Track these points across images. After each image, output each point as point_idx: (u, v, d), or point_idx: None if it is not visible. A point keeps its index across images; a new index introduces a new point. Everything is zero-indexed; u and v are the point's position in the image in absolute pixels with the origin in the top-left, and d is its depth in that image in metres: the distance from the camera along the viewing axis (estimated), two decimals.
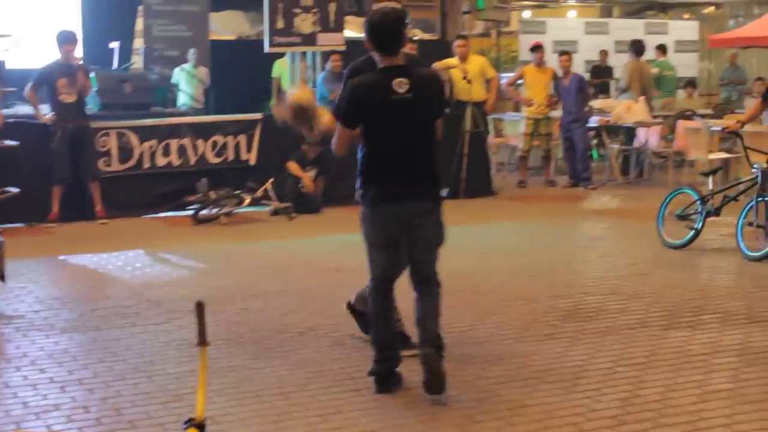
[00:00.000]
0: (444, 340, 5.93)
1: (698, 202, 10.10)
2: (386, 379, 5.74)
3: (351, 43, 15.43)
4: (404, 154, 5.61)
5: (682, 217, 10.18)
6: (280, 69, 17.13)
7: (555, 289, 8.18)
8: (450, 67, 14.20)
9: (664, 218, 10.28)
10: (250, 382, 5.93)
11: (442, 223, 5.73)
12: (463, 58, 14.35)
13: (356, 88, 5.59)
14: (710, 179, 10.70)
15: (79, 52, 12.14)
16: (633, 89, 16.03)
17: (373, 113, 5.57)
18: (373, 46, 5.61)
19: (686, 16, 29.49)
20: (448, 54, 14.99)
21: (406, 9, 5.68)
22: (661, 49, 19.81)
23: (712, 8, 29.45)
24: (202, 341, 4.20)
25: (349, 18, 17.16)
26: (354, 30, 18.75)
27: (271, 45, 14.43)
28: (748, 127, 12.16)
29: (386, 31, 5.54)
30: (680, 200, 10.40)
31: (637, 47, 16.45)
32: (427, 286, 5.73)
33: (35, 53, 15.06)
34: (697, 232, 9.95)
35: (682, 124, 15.15)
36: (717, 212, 9.99)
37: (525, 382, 5.85)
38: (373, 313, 5.83)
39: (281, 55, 16.13)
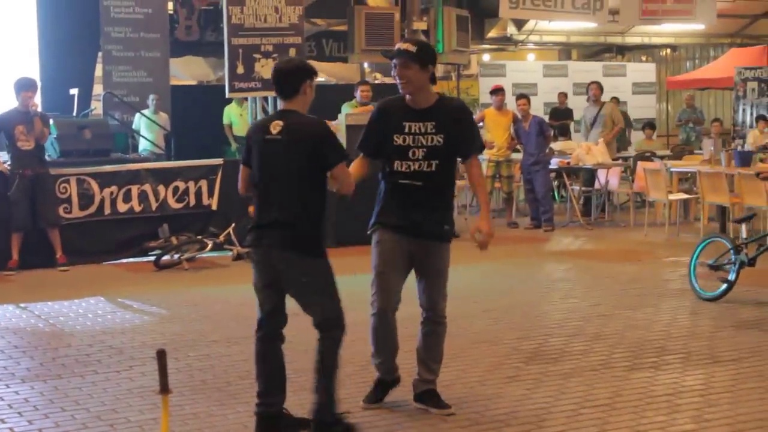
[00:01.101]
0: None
1: (731, 252, 9.42)
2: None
3: None
4: (269, 197, 5.78)
5: (715, 268, 9.52)
6: (230, 115, 17.19)
7: (518, 331, 8.19)
8: None
9: (697, 268, 9.68)
10: (213, 428, 5.89)
11: (315, 270, 5.66)
12: None
13: (249, 127, 5.96)
14: (743, 227, 10.44)
15: (37, 99, 12.08)
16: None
17: (253, 151, 5.78)
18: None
19: (644, 58, 29.87)
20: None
21: (310, 67, 5.74)
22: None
23: (668, 51, 29.83)
24: (164, 389, 4.18)
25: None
26: None
27: (232, 90, 14.50)
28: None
29: (277, 79, 5.69)
30: (713, 249, 9.88)
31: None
32: (321, 333, 5.76)
33: None
34: (731, 285, 9.25)
35: (641, 165, 15.28)
36: (752, 263, 9.29)
37: (489, 426, 5.84)
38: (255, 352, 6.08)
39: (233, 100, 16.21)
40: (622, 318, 8.71)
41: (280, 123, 5.62)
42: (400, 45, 6.08)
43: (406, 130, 5.99)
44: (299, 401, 6.07)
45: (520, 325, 8.44)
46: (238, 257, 12.25)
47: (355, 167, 6.11)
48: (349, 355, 6.28)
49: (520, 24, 25.49)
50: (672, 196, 14.39)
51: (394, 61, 6.00)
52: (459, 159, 6.22)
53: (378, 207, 6.14)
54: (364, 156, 6.21)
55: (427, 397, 6.16)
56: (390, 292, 6.03)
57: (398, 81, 6.01)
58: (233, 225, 12.46)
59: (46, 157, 12.37)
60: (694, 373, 6.91)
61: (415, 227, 6.01)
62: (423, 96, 6.04)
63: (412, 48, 5.98)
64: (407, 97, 6.06)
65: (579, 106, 20.24)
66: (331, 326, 5.69)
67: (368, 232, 6.16)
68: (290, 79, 5.63)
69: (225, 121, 17.13)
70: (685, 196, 14.83)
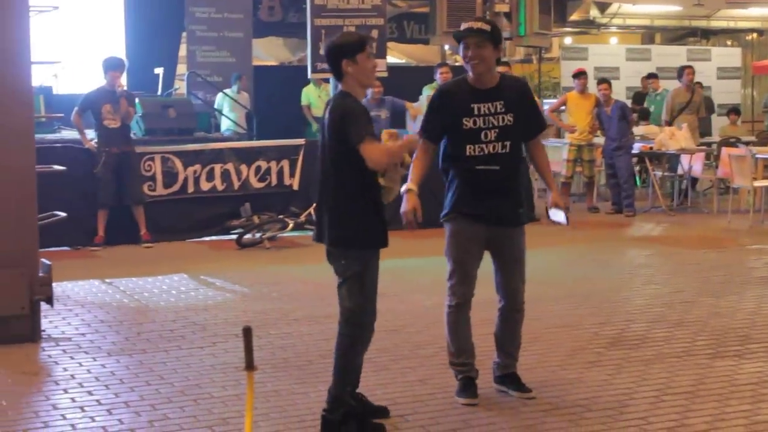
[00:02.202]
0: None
1: None
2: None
3: (392, 69, 15.49)
4: (318, 182, 5.68)
5: None
6: (308, 96, 17.27)
7: (599, 317, 8.14)
8: None
9: None
10: (294, 406, 5.94)
11: (343, 263, 5.59)
12: None
13: None
14: None
15: (123, 79, 12.26)
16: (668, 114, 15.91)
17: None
18: None
19: (729, 42, 29.39)
20: None
21: (344, 42, 5.46)
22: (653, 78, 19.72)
23: (754, 35, 29.32)
24: (250, 366, 4.22)
25: (390, 44, 17.24)
26: (395, 56, 18.85)
27: (314, 71, 14.53)
28: None
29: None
30: None
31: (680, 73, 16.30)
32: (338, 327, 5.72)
33: (82, 79, 15.25)
34: None
35: (726, 151, 15.05)
36: None
37: (570, 410, 5.82)
38: None
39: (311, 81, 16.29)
40: (705, 305, 8.61)
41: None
42: (472, 24, 5.93)
43: (476, 112, 5.88)
44: (379, 381, 6.11)
45: (601, 311, 8.38)
46: None
47: (421, 153, 5.95)
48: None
49: (603, 7, 25.27)
50: (757, 183, 14.15)
51: (466, 41, 5.87)
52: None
53: (451, 195, 6.00)
54: (426, 141, 6.01)
55: (509, 380, 6.14)
56: (471, 284, 5.99)
57: (469, 61, 5.86)
58: (314, 205, 12.48)
59: (132, 136, 12.56)
60: None
61: (493, 214, 5.93)
62: (490, 76, 5.93)
63: (486, 27, 5.89)
64: (471, 77, 5.93)
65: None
66: (345, 321, 5.63)
67: (441, 221, 6.06)
68: (330, 62, 5.45)
69: (303, 101, 17.20)
70: None
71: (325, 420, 5.44)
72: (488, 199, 5.91)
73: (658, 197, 15.32)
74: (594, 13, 25.66)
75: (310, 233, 12.37)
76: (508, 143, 5.91)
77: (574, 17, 25.43)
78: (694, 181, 15.79)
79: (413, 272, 9.98)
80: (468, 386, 6.02)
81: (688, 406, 5.86)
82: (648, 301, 8.84)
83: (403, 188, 5.75)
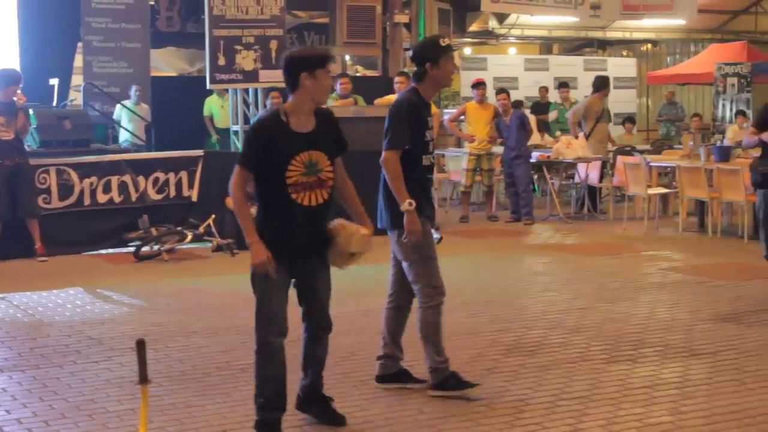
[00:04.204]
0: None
1: None
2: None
3: None
4: None
5: None
6: (211, 106, 17.15)
7: (497, 324, 8.22)
8: (391, 103, 14.26)
9: None
10: (192, 419, 5.89)
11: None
12: None
13: None
14: None
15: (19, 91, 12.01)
16: (587, 124, 16.07)
17: None
18: None
19: (624, 53, 29.95)
20: (390, 90, 15.06)
21: (307, 56, 5.42)
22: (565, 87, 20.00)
23: (649, 45, 29.93)
24: (143, 379, 4.19)
25: None
26: None
27: (213, 81, 14.48)
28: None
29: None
30: None
31: (598, 83, 16.42)
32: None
33: None
34: None
35: (621, 160, 15.33)
36: None
37: (467, 417, 5.86)
38: None
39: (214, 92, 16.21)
40: (600, 311, 8.75)
41: None
42: (448, 40, 6.33)
43: (429, 125, 6.26)
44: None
45: (499, 318, 8.46)
46: (218, 249, 12.24)
47: (399, 166, 6.06)
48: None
49: (501, 18, 25.54)
50: (651, 191, 14.44)
51: (451, 54, 6.24)
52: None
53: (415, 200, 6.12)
54: (399, 152, 6.11)
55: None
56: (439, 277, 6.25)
57: (449, 76, 6.27)
58: (213, 216, 12.45)
59: (26, 147, 12.33)
60: (672, 365, 6.95)
61: (434, 211, 6.42)
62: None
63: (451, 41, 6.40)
64: (422, 92, 6.23)
65: (559, 100, 20.29)
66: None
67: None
68: (288, 72, 5.39)
69: (205, 112, 17.08)
70: (664, 190, 14.90)
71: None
72: (430, 203, 6.37)
73: (555, 206, 15.54)
74: (493, 23, 25.93)
75: (209, 245, 12.35)
76: (433, 153, 6.36)
77: (473, 28, 25.67)
78: (593, 189, 16.01)
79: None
80: (461, 379, 6.28)
81: (582, 411, 5.95)
82: (545, 307, 8.95)
83: (405, 206, 5.98)
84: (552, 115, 19.72)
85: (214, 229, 12.40)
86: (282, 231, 5.38)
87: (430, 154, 6.26)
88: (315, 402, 5.74)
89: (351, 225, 5.52)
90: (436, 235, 6.44)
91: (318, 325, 5.61)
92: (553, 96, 21.77)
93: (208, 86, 14.68)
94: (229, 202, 12.63)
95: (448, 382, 6.23)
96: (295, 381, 5.69)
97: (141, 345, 4.16)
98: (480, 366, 6.94)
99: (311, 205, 5.37)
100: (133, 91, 16.19)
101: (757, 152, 9.83)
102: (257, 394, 5.47)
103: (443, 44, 6.18)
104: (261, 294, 5.42)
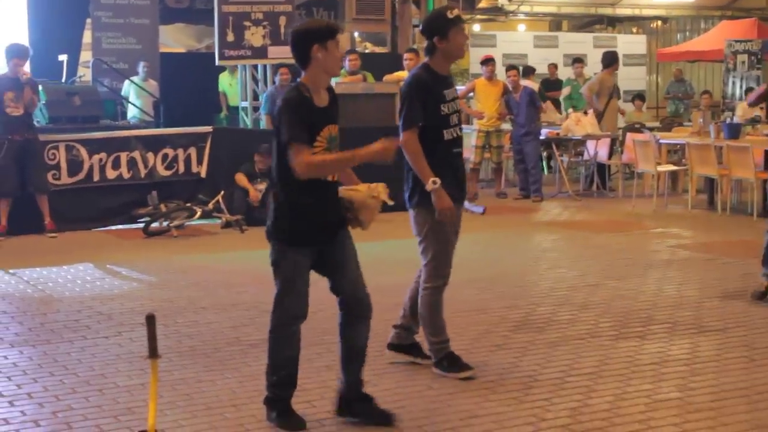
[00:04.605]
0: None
1: None
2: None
3: None
4: None
5: None
6: (222, 83, 17.13)
7: (506, 300, 8.23)
8: (400, 80, 14.25)
9: None
10: (201, 394, 5.91)
11: (273, 252, 5.28)
12: None
13: None
14: None
15: (27, 66, 12.03)
16: (601, 100, 16.03)
17: None
18: None
19: (634, 30, 29.84)
20: (399, 67, 15.04)
21: (317, 27, 5.26)
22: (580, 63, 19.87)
23: (659, 22, 29.81)
24: (153, 354, 4.20)
25: None
26: None
27: (222, 58, 14.46)
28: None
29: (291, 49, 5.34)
30: None
31: (607, 59, 16.38)
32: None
33: None
34: None
35: (630, 137, 15.30)
36: None
37: (476, 393, 5.88)
38: None
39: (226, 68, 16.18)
40: (609, 288, 8.75)
41: None
42: (457, 12, 6.20)
43: (447, 98, 6.11)
44: None
45: (508, 295, 8.47)
46: (227, 225, 12.26)
47: (418, 144, 5.98)
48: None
49: None
50: (660, 168, 14.42)
51: (461, 26, 6.14)
52: None
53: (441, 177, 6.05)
54: (416, 130, 6.00)
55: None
56: (451, 261, 6.22)
57: (461, 48, 6.13)
58: (222, 193, 12.47)
59: (35, 123, 12.34)
60: (680, 342, 6.95)
61: (463, 192, 6.25)
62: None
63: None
64: (437, 64, 6.11)
65: (569, 76, 20.23)
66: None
67: (414, 205, 6.14)
68: (298, 46, 5.24)
69: (220, 88, 17.09)
70: (674, 167, 14.86)
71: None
72: (460, 179, 6.20)
73: (564, 183, 15.52)
74: (502, 0, 25.85)
75: (218, 221, 12.37)
76: (460, 126, 6.23)
77: (482, 4, 25.60)
78: (603, 167, 15.99)
79: None
80: (458, 360, 6.24)
81: (591, 387, 5.96)
82: (553, 284, 8.95)
83: (429, 185, 5.88)
84: (565, 91, 19.64)
85: (223, 206, 12.41)
86: (316, 209, 5.22)
87: (453, 128, 6.10)
88: (357, 401, 5.46)
89: (355, 185, 5.47)
90: (478, 209, 6.42)
91: (358, 301, 5.39)
92: (563, 73, 21.70)
93: (216, 63, 14.66)
94: (239, 178, 12.72)
95: (441, 363, 6.25)
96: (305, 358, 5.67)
97: (151, 320, 4.17)
98: (489, 342, 6.95)
99: (333, 180, 5.31)
100: (141, 67, 16.18)
101: None
102: (270, 373, 5.38)
103: (450, 16, 6.03)
104: (286, 276, 5.27)
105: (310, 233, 5.24)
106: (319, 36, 5.20)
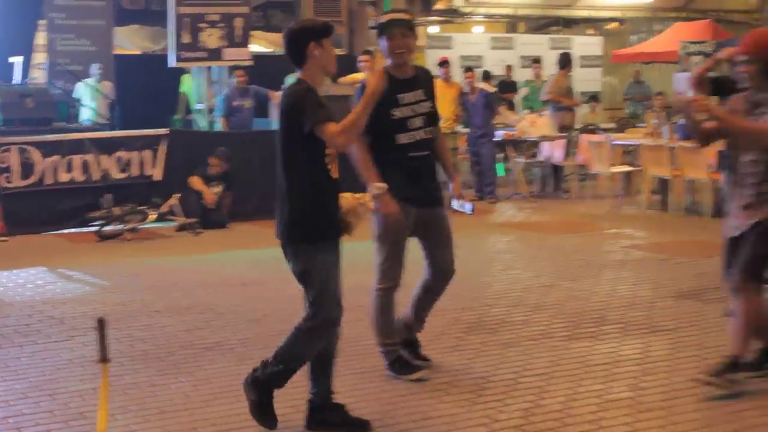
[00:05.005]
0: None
1: None
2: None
3: (257, 57, 15.41)
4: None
5: None
6: (183, 85, 17.06)
7: (460, 302, 8.23)
8: (356, 82, 14.24)
9: None
10: (154, 398, 5.88)
11: (301, 259, 5.21)
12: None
13: None
14: None
15: None
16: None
17: None
18: None
19: (590, 31, 30.01)
20: (355, 69, 15.04)
21: (312, 25, 5.30)
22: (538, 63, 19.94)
23: (614, 24, 30.00)
24: (104, 358, 4.18)
25: (255, 33, 17.16)
26: (261, 45, 18.71)
27: (177, 60, 14.37)
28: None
29: (284, 49, 5.33)
30: None
31: (563, 60, 16.50)
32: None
33: None
34: None
35: (585, 138, 15.40)
36: None
37: (430, 394, 5.89)
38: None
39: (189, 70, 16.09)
40: (563, 289, 8.80)
41: None
42: (393, 16, 6.16)
43: (401, 102, 6.06)
44: (241, 371, 6.07)
45: (463, 296, 8.47)
46: (182, 228, 12.21)
47: (363, 149, 5.97)
48: None
49: None
50: (614, 169, 14.51)
51: (392, 31, 6.03)
52: None
53: (385, 181, 6.04)
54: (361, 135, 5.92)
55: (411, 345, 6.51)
56: (403, 265, 6.21)
57: (396, 51, 6.03)
58: (177, 195, 12.41)
59: None
60: (632, 342, 7.01)
61: (425, 196, 6.18)
62: (408, 65, 6.18)
63: (408, 17, 6.18)
64: (392, 68, 6.04)
65: (525, 78, 20.33)
66: (305, 317, 5.29)
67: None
68: (294, 45, 5.22)
69: (182, 88, 17.02)
70: (628, 168, 14.96)
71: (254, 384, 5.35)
72: (420, 182, 6.15)
73: (520, 184, 15.58)
74: (458, 2, 25.92)
75: (172, 224, 12.31)
76: (429, 129, 6.17)
77: (438, 6, 25.62)
78: (558, 168, 16.07)
79: (279, 262, 9.91)
80: (405, 363, 6.26)
81: (544, 387, 5.99)
82: (508, 285, 8.99)
83: (374, 191, 5.85)
84: (523, 92, 19.72)
85: (177, 209, 12.35)
86: (331, 203, 5.25)
87: (413, 131, 6.08)
88: (328, 409, 5.39)
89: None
90: (466, 208, 6.43)
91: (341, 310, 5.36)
92: (519, 74, 21.81)
93: (170, 64, 14.59)
94: (194, 181, 12.65)
95: (393, 366, 6.25)
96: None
97: (101, 323, 4.16)
98: (443, 344, 6.97)
99: (336, 177, 5.29)
100: (96, 68, 16.06)
101: None
102: (278, 361, 5.26)
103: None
104: (321, 279, 5.18)
105: (331, 227, 5.24)
106: (315, 33, 5.22)
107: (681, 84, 8.23)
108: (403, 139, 6.08)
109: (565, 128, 16.00)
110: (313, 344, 5.28)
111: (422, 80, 6.24)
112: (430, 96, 6.22)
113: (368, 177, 5.96)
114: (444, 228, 6.33)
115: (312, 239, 5.19)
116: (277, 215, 5.26)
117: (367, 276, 6.28)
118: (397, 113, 6.05)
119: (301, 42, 5.19)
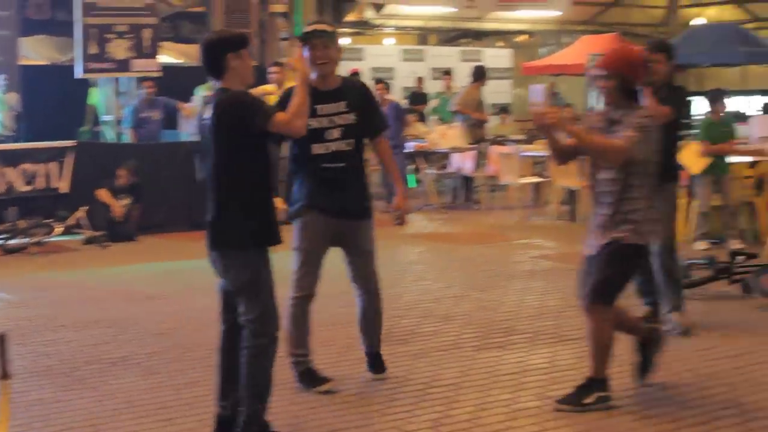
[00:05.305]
0: None
1: None
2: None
3: (166, 69, 15.26)
4: (209, 188, 5.28)
5: None
6: (92, 96, 16.81)
7: None
8: (267, 93, 14.17)
9: None
10: (58, 414, 5.79)
11: (250, 268, 5.15)
12: (280, 85, 14.36)
13: None
14: None
15: None
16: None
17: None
18: None
19: (499, 44, 30.30)
20: (266, 81, 14.99)
21: (230, 36, 5.28)
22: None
23: (524, 37, 30.33)
24: (4, 374, 4.10)
25: (165, 44, 16.98)
26: (170, 56, 18.53)
27: (84, 71, 14.19)
28: None
29: (201, 59, 5.28)
30: None
31: (477, 73, 16.62)
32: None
33: None
34: None
35: (495, 150, 15.53)
36: None
37: (339, 406, 5.89)
38: None
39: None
40: (472, 299, 8.86)
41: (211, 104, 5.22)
42: (317, 26, 6.16)
43: (320, 113, 6.04)
44: (148, 385, 6.00)
45: None
46: (89, 241, 12.03)
47: None
48: None
49: (378, 8, 25.60)
50: (523, 180, 14.66)
51: (313, 42, 6.03)
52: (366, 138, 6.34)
53: (301, 191, 6.13)
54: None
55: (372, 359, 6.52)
56: (317, 276, 6.22)
57: (317, 62, 6.03)
58: (84, 208, 12.23)
59: None
60: (540, 351, 7.07)
61: (344, 207, 6.17)
62: (333, 77, 6.17)
63: (331, 28, 6.17)
64: (314, 79, 6.01)
65: (436, 90, 20.45)
66: (250, 332, 5.18)
67: (290, 215, 6.16)
68: (211, 56, 5.17)
69: (91, 100, 16.75)
70: (537, 179, 15.13)
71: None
72: (338, 193, 6.13)
73: (431, 195, 15.65)
74: (369, 14, 25.97)
75: (79, 237, 12.12)
76: (351, 141, 6.15)
77: (350, 18, 25.63)
78: (468, 179, 16.18)
79: (187, 274, 9.85)
80: (314, 375, 6.23)
81: (453, 398, 6.02)
82: (418, 296, 9.02)
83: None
84: (433, 103, 19.83)
85: (84, 221, 12.17)
86: (267, 208, 5.26)
87: (329, 142, 6.07)
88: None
89: None
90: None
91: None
92: (430, 86, 21.93)
93: (77, 75, 14.39)
94: (101, 193, 12.48)
95: (302, 378, 6.23)
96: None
97: (2, 339, 4.08)
98: (353, 356, 6.95)
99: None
100: (1, 80, 15.77)
101: None
102: (257, 400, 5.18)
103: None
104: (267, 290, 5.18)
105: (278, 231, 5.24)
106: (232, 44, 5.20)
107: (536, 95, 8.28)
108: (318, 149, 6.08)
109: (477, 141, 16.11)
110: (270, 364, 5.23)
111: (348, 92, 6.21)
112: (357, 108, 6.17)
113: None
114: (360, 240, 6.33)
115: (262, 243, 5.19)
116: (214, 224, 5.20)
117: (282, 288, 6.26)
118: (314, 123, 6.01)
119: (219, 53, 5.18)
